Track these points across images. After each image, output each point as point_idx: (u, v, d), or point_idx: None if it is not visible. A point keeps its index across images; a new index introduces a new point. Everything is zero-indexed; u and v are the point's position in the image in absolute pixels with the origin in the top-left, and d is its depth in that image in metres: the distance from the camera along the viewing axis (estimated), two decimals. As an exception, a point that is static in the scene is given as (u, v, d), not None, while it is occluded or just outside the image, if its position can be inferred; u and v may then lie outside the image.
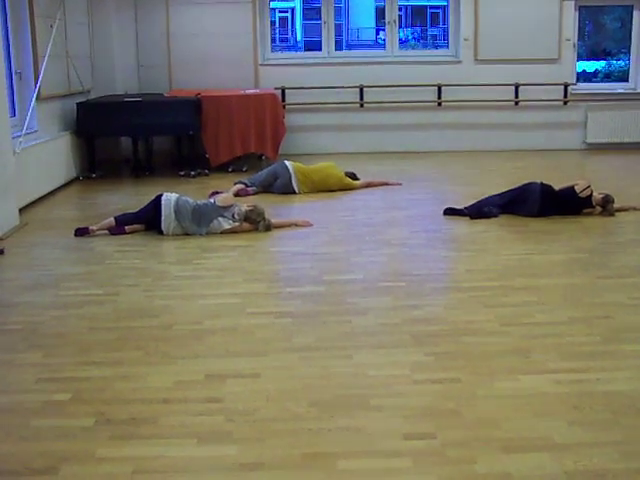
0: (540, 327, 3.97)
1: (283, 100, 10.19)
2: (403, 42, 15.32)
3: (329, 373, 3.45)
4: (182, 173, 8.89)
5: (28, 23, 7.59)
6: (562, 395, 3.18)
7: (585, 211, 6.47)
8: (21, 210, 6.66)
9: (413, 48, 14.75)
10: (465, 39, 10.33)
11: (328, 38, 10.60)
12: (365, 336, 3.90)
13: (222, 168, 9.12)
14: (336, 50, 10.80)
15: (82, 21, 9.34)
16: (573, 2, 10.21)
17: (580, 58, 11.00)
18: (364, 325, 4.05)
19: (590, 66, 12.19)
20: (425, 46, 17.40)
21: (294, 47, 20.13)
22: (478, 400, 3.16)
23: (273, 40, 11.05)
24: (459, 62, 10.41)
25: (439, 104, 10.44)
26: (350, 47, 21.96)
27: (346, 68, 10.42)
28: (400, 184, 8.08)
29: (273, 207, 6.85)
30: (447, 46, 10.77)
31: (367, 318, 4.15)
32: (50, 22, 8.03)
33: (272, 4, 11.21)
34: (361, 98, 10.39)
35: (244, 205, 6.23)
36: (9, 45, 7.44)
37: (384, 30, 10.98)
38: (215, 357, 3.67)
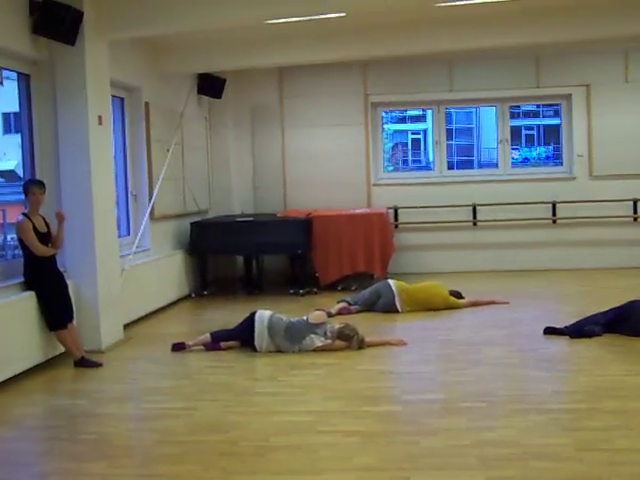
0: (619, 454, 3.68)
1: (396, 219, 10.31)
2: (525, 161, 15.29)
3: (381, 495, 3.33)
4: (292, 291, 9.05)
5: (145, 147, 8.14)
6: (627, 530, 2.92)
7: (696, 331, 6.03)
8: (129, 325, 6.97)
9: (533, 166, 14.62)
10: (579, 155, 10.18)
11: (440, 158, 10.75)
12: (429, 457, 3.75)
13: (332, 286, 9.22)
14: (455, 169, 10.83)
15: (200, 145, 9.96)
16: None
17: None
18: (431, 446, 3.90)
19: None
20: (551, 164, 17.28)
21: (426, 167, 20.59)
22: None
23: (405, 162, 11.24)
24: (573, 178, 10.24)
25: (554, 221, 10.24)
26: (482, 166, 22.18)
27: (458, 187, 10.47)
28: (507, 303, 7.88)
29: (374, 326, 6.83)
30: (562, 163, 10.65)
31: (436, 439, 4.00)
32: (167, 146, 8.58)
33: (406, 126, 11.48)
34: (474, 217, 10.36)
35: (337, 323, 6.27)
36: (126, 168, 8.01)
37: (517, 149, 10.98)
38: (272, 474, 3.63)
